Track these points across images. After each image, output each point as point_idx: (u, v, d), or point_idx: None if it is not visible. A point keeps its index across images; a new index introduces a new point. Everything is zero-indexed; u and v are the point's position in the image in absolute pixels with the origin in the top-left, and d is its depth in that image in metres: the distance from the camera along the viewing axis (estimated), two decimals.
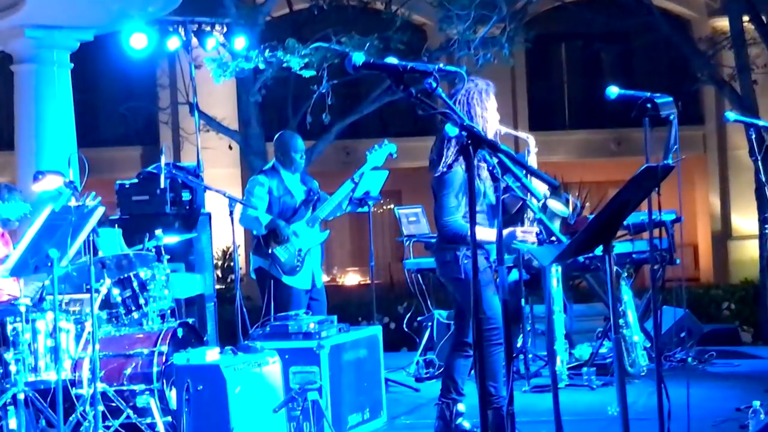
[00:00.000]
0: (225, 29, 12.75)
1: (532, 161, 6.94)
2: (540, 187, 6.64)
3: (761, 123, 7.57)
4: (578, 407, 8.11)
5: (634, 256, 9.28)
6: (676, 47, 18.47)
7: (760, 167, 7.77)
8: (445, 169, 6.68)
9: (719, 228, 24.16)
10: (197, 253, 10.08)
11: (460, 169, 6.61)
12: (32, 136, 11.05)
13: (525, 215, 6.85)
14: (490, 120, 6.80)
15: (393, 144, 8.70)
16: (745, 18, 16.55)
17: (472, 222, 4.17)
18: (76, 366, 7.40)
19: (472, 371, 7.27)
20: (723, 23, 18.92)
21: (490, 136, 6.83)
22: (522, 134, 7.15)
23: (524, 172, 4.74)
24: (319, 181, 9.02)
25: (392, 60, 4.27)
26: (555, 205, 7.33)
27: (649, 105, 5.89)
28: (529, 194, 6.30)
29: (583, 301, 12.39)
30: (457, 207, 6.65)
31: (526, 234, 6.68)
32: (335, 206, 8.68)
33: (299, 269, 8.58)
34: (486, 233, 6.62)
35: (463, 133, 4.15)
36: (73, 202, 6.92)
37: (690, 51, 17.59)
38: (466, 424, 6.98)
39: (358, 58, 4.24)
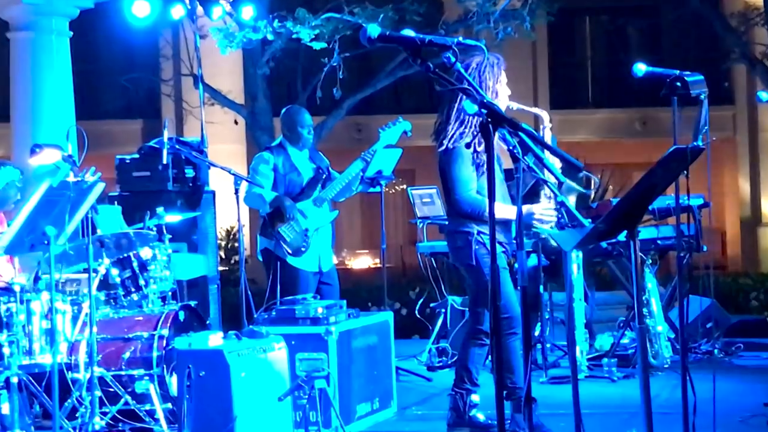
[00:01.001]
0: None
1: (547, 137, 6.93)
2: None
3: None
4: (598, 400, 8.11)
5: (659, 242, 9.26)
6: (707, 23, 18.42)
7: None
8: (450, 145, 6.70)
9: (748, 214, 24.11)
10: (200, 233, 10.08)
11: (459, 144, 6.63)
12: (29, 108, 11.07)
13: (543, 193, 6.84)
14: (501, 94, 6.81)
15: (407, 121, 8.68)
16: None
17: (491, 204, 4.16)
18: (73, 349, 7.42)
19: (488, 361, 7.28)
20: None
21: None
22: (535, 110, 7.13)
23: (546, 152, 4.72)
24: (329, 158, 9.01)
25: (409, 32, 4.26)
26: (570, 181, 7.32)
27: (678, 83, 5.87)
28: (550, 176, 6.29)
29: (605, 289, 12.38)
30: (469, 181, 6.65)
31: (545, 213, 6.68)
32: (345, 186, 8.66)
33: (305, 250, 8.57)
34: (504, 210, 6.63)
35: (483, 110, 4.14)
36: (71, 178, 6.92)
37: (721, 27, 17.54)
38: (481, 416, 6.99)
39: (374, 30, 4.22)
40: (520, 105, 7.04)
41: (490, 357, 7.30)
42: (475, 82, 6.67)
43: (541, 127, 6.99)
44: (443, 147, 6.77)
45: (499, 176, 6.74)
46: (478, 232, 6.71)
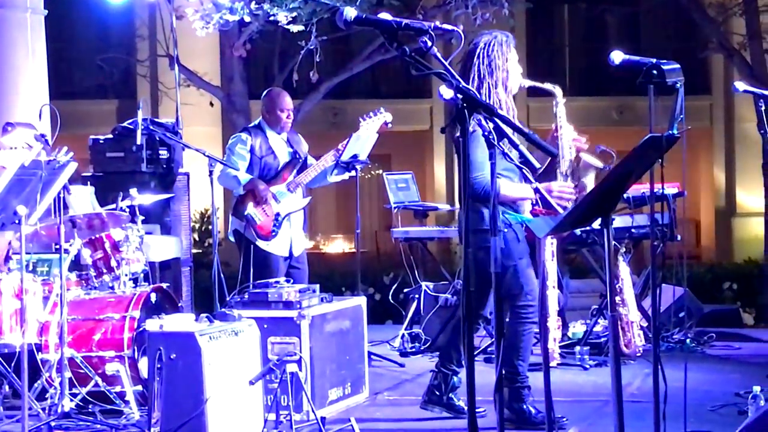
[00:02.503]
0: None
1: (561, 113, 6.94)
2: (574, 145, 6.67)
3: None
4: (570, 388, 8.14)
5: (633, 231, 9.29)
6: (685, 12, 18.45)
7: None
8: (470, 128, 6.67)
9: (723, 204, 24.21)
10: (174, 215, 10.05)
11: (478, 128, 6.62)
12: (2, 87, 10.98)
13: (558, 170, 6.84)
14: (512, 72, 6.80)
15: (389, 113, 8.70)
16: None
17: (465, 187, 4.16)
18: (43, 330, 7.39)
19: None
20: None
21: (514, 89, 6.84)
22: (548, 86, 7.10)
23: (522, 138, 4.72)
24: (305, 142, 9.00)
25: (386, 16, 4.25)
26: (588, 158, 7.32)
27: (655, 72, 5.88)
28: (526, 164, 6.28)
29: (579, 277, 12.41)
30: (484, 163, 6.63)
31: (564, 191, 6.67)
32: (320, 173, 8.67)
33: (274, 235, 8.57)
34: (518, 189, 6.63)
35: (459, 95, 4.13)
36: (43, 157, 6.88)
37: (699, 16, 17.57)
38: (461, 402, 7.00)
39: (350, 12, 4.22)
40: (533, 82, 7.02)
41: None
42: (483, 63, 6.72)
43: (554, 102, 6.98)
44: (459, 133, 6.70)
45: (503, 161, 6.69)
46: (503, 212, 6.67)
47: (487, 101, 6.66)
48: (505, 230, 6.70)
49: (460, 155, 6.75)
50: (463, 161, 4.19)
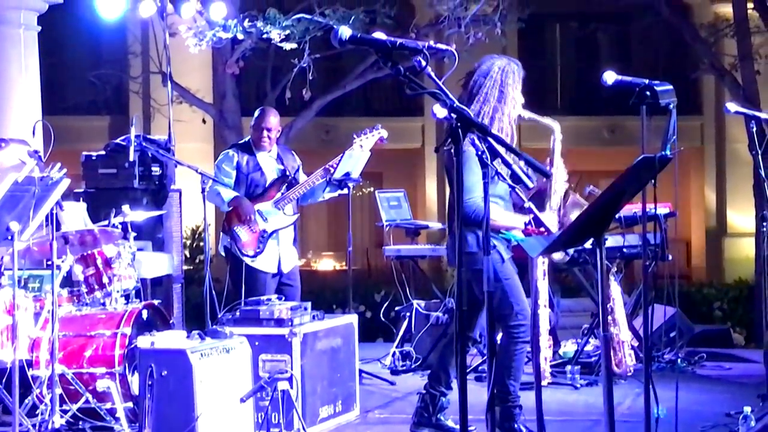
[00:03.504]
0: None
1: (557, 149, 6.95)
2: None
3: (763, 116, 7.59)
4: (561, 407, 8.14)
5: (624, 250, 9.30)
6: (676, 32, 18.49)
7: (760, 162, 7.78)
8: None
9: (714, 224, 24.24)
10: (166, 232, 10.05)
11: (470, 148, 6.61)
12: None
13: (548, 204, 6.85)
14: (518, 102, 6.82)
15: (384, 130, 8.71)
16: (749, 5, 16.58)
17: (459, 208, 4.17)
18: (34, 346, 7.38)
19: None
20: (726, 9, 18.95)
21: (515, 119, 6.84)
22: (547, 120, 7.11)
23: (516, 158, 4.73)
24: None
25: (381, 35, 4.26)
26: (577, 197, 7.38)
27: (648, 93, 5.89)
28: (518, 183, 6.30)
29: (569, 296, 12.42)
30: (476, 184, 6.64)
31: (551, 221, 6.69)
32: (309, 191, 8.69)
33: (259, 252, 8.58)
34: (507, 218, 6.64)
35: (452, 115, 4.15)
36: (36, 173, 6.87)
37: (691, 37, 17.61)
38: (450, 423, 7.00)
39: (345, 32, 4.23)
40: (533, 114, 7.03)
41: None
42: (494, 86, 6.73)
43: (552, 137, 7.00)
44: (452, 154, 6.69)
45: (503, 185, 6.69)
46: (493, 235, 6.67)
47: (489, 123, 6.67)
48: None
49: (450, 175, 6.78)
50: (457, 180, 4.19)
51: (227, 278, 8.68)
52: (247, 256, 8.56)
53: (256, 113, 8.88)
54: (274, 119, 8.81)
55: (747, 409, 6.49)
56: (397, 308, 10.47)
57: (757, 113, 7.59)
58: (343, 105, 21.24)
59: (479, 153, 4.37)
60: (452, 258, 6.98)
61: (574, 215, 7.14)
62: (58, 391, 6.97)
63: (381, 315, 11.26)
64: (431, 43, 4.39)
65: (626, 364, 9.00)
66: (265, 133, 8.74)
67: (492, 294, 4.51)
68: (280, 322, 7.30)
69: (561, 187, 6.98)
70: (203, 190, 8.37)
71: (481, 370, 8.96)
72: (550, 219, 6.76)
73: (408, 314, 10.09)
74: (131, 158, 9.27)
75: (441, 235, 17.40)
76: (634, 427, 6.23)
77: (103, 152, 10.10)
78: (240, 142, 9.08)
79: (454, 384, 7.00)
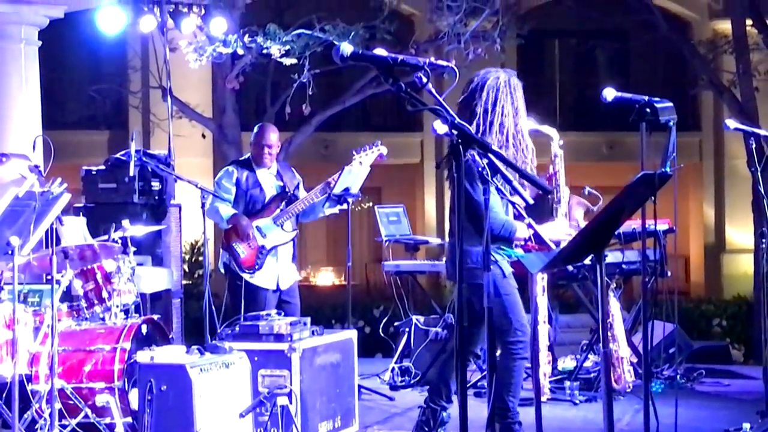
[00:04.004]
0: (203, 11, 12.72)
1: (560, 156, 6.96)
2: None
3: (762, 132, 7.60)
4: (560, 423, 8.14)
5: (624, 266, 9.30)
6: (675, 49, 18.54)
7: (759, 178, 7.79)
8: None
9: (713, 240, 24.25)
10: (165, 246, 10.06)
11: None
12: None
13: (558, 211, 6.86)
14: (521, 112, 6.81)
15: (384, 146, 8.72)
16: (748, 22, 16.62)
17: (459, 226, 4.18)
18: (33, 361, 7.37)
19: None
20: (725, 26, 19.02)
21: (521, 130, 6.83)
22: (545, 128, 7.11)
23: (515, 174, 4.74)
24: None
25: (381, 52, 4.27)
26: (579, 198, 7.37)
27: (648, 110, 5.91)
28: (517, 198, 6.30)
29: (568, 312, 12.42)
30: (497, 202, 6.62)
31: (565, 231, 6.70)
32: (308, 207, 8.69)
33: (258, 268, 8.59)
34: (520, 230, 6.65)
35: (453, 131, 4.16)
36: (37, 188, 6.88)
37: (689, 54, 17.65)
38: None
39: (347, 48, 4.24)
40: (530, 123, 7.03)
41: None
42: (489, 100, 6.73)
43: (551, 145, 7.01)
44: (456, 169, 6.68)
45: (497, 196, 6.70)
46: (494, 249, 6.66)
47: (487, 136, 6.67)
48: (491, 267, 6.68)
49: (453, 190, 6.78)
50: (458, 195, 4.19)
51: (226, 294, 8.69)
52: (246, 272, 8.57)
53: (256, 130, 8.90)
54: (273, 135, 8.83)
55: (746, 426, 6.50)
56: (396, 323, 10.47)
57: (756, 130, 7.61)
58: (343, 120, 21.25)
59: (479, 169, 4.37)
60: (452, 272, 6.97)
61: (578, 214, 7.14)
62: (58, 405, 6.96)
63: (380, 330, 11.25)
64: (432, 59, 4.40)
65: (625, 380, 9.00)
66: (266, 149, 8.76)
67: (491, 309, 4.50)
68: (279, 338, 7.30)
69: (566, 194, 6.99)
70: (203, 205, 8.38)
71: (481, 386, 8.96)
72: (562, 226, 6.76)
73: (407, 330, 10.08)
74: (131, 173, 9.28)
75: (440, 250, 17.40)
76: None
77: (102, 167, 10.11)
78: (240, 158, 9.09)
79: (455, 397, 6.99)
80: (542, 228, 6.48)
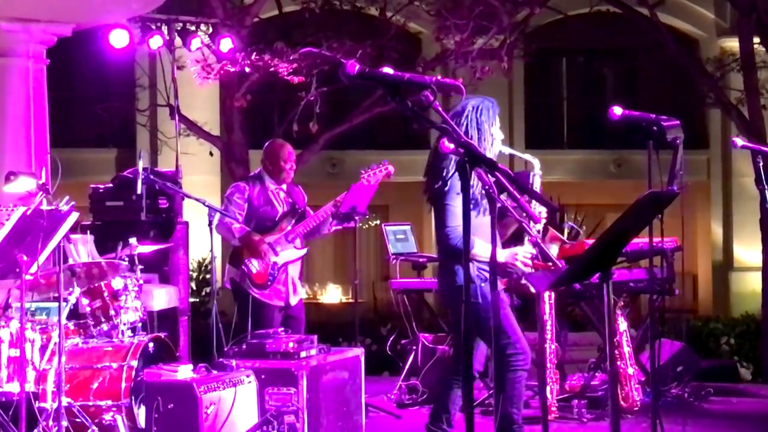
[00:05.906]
0: (210, 30, 12.77)
1: (537, 184, 6.96)
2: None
3: None
4: None
5: (631, 284, 9.28)
6: (683, 67, 18.56)
7: (767, 197, 7.78)
8: (446, 183, 6.67)
9: (720, 258, 24.23)
10: (172, 264, 10.07)
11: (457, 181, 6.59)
12: (4, 134, 11.01)
13: (526, 237, 6.84)
14: (496, 138, 6.80)
15: (391, 165, 8.74)
16: (756, 40, 16.64)
17: (466, 241, 4.18)
18: (40, 378, 7.37)
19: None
20: (732, 44, 19.05)
21: (494, 155, 6.82)
22: (527, 156, 7.12)
23: (523, 193, 4.73)
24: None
25: (388, 70, 4.28)
26: (555, 232, 7.38)
27: (655, 128, 5.91)
28: (526, 217, 6.30)
29: (576, 330, 12.39)
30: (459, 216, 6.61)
31: (527, 257, 6.67)
32: (316, 225, 8.71)
33: (270, 284, 8.60)
34: (486, 249, 6.60)
35: (460, 150, 4.15)
36: (45, 206, 6.89)
37: (697, 72, 17.68)
38: None
39: (353, 67, 4.24)
40: (511, 150, 7.04)
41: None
42: (471, 124, 6.73)
43: (531, 173, 7.00)
44: (439, 183, 6.68)
45: (485, 218, 6.68)
46: (478, 269, 6.64)
47: None
48: (482, 284, 6.66)
49: (436, 206, 6.76)
50: (464, 214, 4.17)
51: (234, 311, 8.69)
52: (258, 287, 8.56)
53: (273, 146, 8.90)
54: (292, 151, 8.89)
55: None
56: (403, 342, 10.45)
57: (763, 148, 7.59)
58: (350, 138, 21.25)
59: (486, 187, 4.37)
60: (445, 293, 6.93)
61: (554, 250, 7.14)
62: (65, 423, 6.96)
63: (387, 348, 11.23)
64: (438, 77, 4.41)
65: (633, 399, 8.98)
66: (288, 165, 8.80)
67: (485, 329, 4.49)
68: (286, 356, 7.29)
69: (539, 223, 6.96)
70: (210, 223, 8.39)
71: (488, 403, 8.94)
72: (529, 252, 6.73)
73: (414, 348, 10.07)
74: (138, 191, 9.29)
75: None
76: None
77: (110, 185, 10.13)
78: (250, 175, 9.11)
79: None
80: (500, 250, 6.44)
